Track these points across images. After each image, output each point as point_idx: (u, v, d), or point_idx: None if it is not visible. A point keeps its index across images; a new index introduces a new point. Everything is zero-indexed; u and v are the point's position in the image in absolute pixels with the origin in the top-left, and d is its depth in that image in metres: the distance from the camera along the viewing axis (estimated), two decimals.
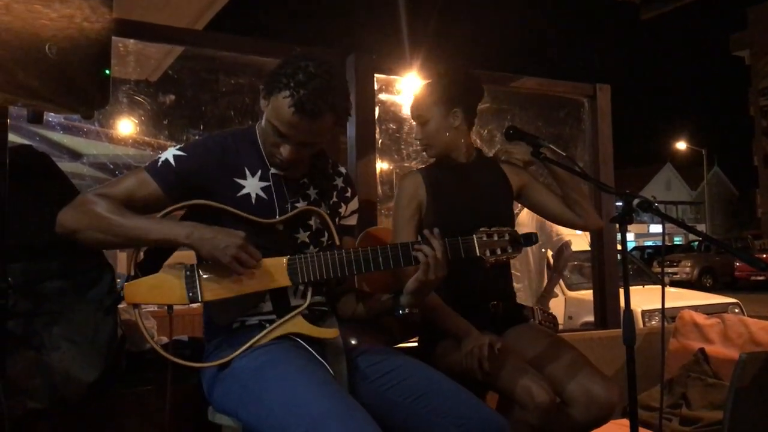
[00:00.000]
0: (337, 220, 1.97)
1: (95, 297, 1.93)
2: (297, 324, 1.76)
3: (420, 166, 2.50)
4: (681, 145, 39.36)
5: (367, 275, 2.03)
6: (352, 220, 2.07)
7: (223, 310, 1.78)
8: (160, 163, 1.76)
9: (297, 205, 1.85)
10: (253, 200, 1.80)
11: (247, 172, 1.82)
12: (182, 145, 1.81)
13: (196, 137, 1.87)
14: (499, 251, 1.81)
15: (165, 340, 1.91)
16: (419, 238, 1.84)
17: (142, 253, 1.75)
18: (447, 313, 2.18)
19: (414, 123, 2.37)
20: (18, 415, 1.73)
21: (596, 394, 2.01)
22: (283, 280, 1.75)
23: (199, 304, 1.73)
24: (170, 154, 1.78)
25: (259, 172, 1.83)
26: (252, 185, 1.81)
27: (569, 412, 2.06)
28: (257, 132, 1.87)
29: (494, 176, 2.38)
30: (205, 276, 1.71)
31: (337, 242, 1.84)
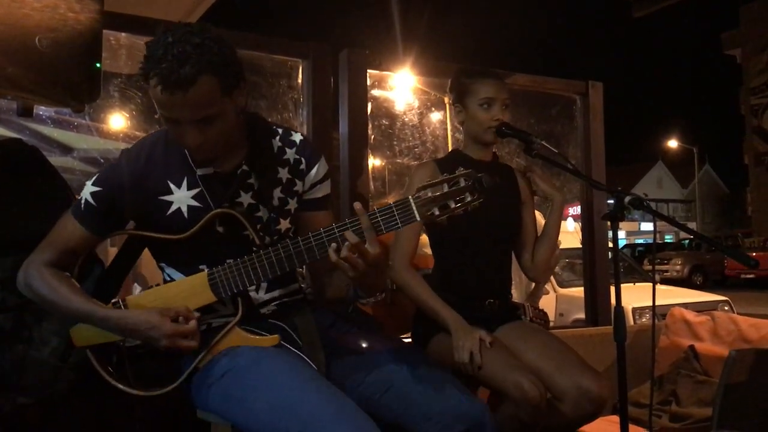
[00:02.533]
0: (295, 200, 1.78)
1: (86, 291, 1.92)
2: (234, 337, 1.66)
3: (413, 163, 2.52)
4: (672, 143, 39.53)
5: None
6: (318, 192, 1.81)
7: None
8: (82, 205, 1.69)
9: (238, 200, 1.69)
10: (186, 213, 1.67)
11: (172, 186, 1.67)
12: (96, 177, 1.70)
13: (112, 162, 1.73)
14: (452, 204, 1.44)
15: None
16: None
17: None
18: (440, 305, 2.18)
19: (409, 120, 2.41)
20: (7, 410, 1.72)
21: (587, 390, 2.02)
22: (208, 297, 1.65)
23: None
24: (88, 192, 1.68)
25: (185, 180, 1.67)
26: (180, 198, 1.67)
27: (560, 408, 2.06)
28: None
29: (509, 180, 2.43)
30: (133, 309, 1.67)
31: (257, 242, 1.64)
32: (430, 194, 1.44)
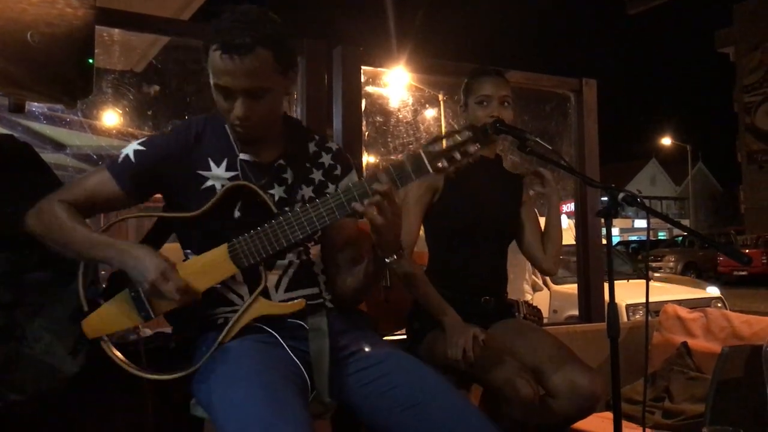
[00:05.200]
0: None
1: (70, 298, 1.91)
2: (260, 307, 1.67)
3: None
4: (666, 141, 39.65)
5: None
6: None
7: (186, 319, 1.72)
8: (120, 159, 1.71)
9: (271, 191, 1.73)
10: (218, 192, 1.71)
11: (211, 163, 1.73)
12: (144, 139, 1.75)
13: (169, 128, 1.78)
14: (458, 155, 1.55)
15: (148, 332, 1.90)
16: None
17: (102, 285, 1.73)
18: (437, 300, 2.19)
19: (403, 117, 2.41)
20: None
21: (580, 386, 2.02)
22: (230, 268, 1.66)
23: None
24: (131, 149, 1.72)
25: (225, 161, 1.73)
26: (217, 176, 1.72)
27: (553, 404, 2.07)
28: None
29: (511, 179, 2.46)
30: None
31: (274, 210, 1.67)
32: (437, 148, 1.55)
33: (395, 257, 1.68)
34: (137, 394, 2.01)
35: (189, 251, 1.77)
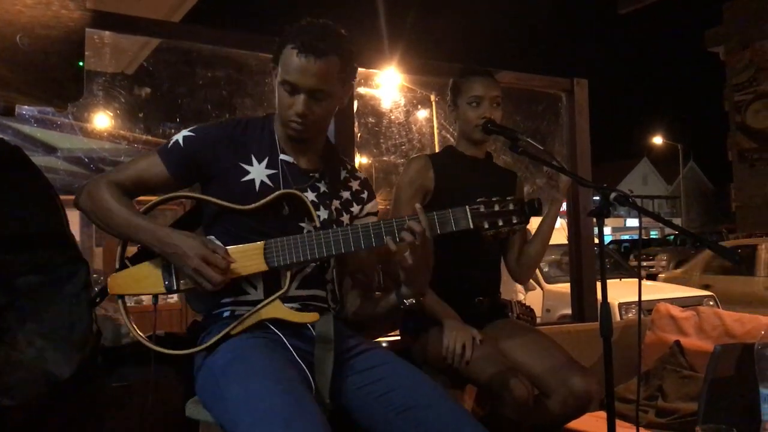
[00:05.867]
0: (348, 217, 1.91)
1: (71, 292, 1.90)
2: (274, 309, 1.71)
3: (400, 161, 2.52)
4: (657, 140, 39.77)
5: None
6: (368, 222, 1.90)
7: (199, 299, 1.78)
8: (170, 144, 1.80)
9: (305, 194, 1.80)
10: (257, 187, 1.78)
11: (254, 159, 1.81)
12: (194, 126, 1.84)
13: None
14: (500, 222, 1.66)
15: (161, 333, 1.90)
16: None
17: (136, 248, 1.77)
18: (436, 300, 2.20)
19: (395, 118, 2.41)
20: None
21: (575, 386, 2.02)
22: (259, 265, 1.71)
23: (175, 296, 1.73)
24: (181, 135, 1.81)
25: (267, 159, 1.81)
26: (257, 172, 1.80)
27: (548, 404, 2.07)
28: (273, 119, 1.87)
29: (503, 177, 2.46)
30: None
31: (317, 224, 1.77)
32: (483, 209, 1.66)
33: (413, 301, 1.73)
34: (132, 398, 2.00)
35: (213, 237, 1.79)
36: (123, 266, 1.77)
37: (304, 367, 1.66)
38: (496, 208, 1.66)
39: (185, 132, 1.81)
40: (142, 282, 1.75)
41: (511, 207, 1.67)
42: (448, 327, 2.11)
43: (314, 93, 1.74)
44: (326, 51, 1.71)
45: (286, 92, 1.76)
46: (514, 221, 1.67)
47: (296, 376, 1.59)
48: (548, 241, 2.41)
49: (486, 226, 1.66)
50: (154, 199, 1.82)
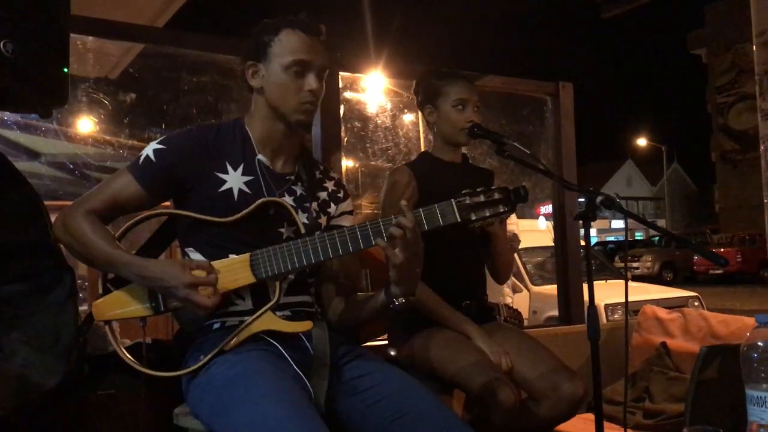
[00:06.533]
0: (325, 219, 1.90)
1: (56, 300, 1.88)
2: (267, 321, 1.68)
3: (386, 165, 2.52)
4: (641, 142, 40.09)
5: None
6: (344, 221, 1.94)
7: (186, 317, 1.74)
8: (141, 160, 1.74)
9: (282, 199, 1.78)
10: (236, 196, 1.74)
11: (229, 167, 1.76)
12: (163, 137, 1.78)
13: (188, 128, 1.86)
14: (487, 212, 1.63)
15: (127, 342, 1.88)
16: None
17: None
18: (449, 310, 2.24)
19: (381, 122, 2.42)
20: None
21: (564, 390, 2.03)
22: (247, 277, 1.68)
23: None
24: (150, 149, 1.75)
25: (242, 166, 1.77)
26: (234, 180, 1.75)
27: (536, 408, 2.08)
28: (245, 122, 1.83)
29: (480, 178, 2.42)
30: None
31: (302, 231, 1.73)
32: (468, 201, 1.63)
33: (403, 301, 1.69)
34: (120, 405, 1.98)
35: (191, 248, 1.77)
36: (106, 290, 1.74)
37: (305, 379, 1.65)
38: (482, 198, 1.63)
39: (155, 145, 1.75)
40: (128, 306, 1.71)
41: (496, 196, 1.64)
42: (485, 341, 2.17)
43: (321, 72, 1.78)
44: (323, 31, 1.78)
45: (293, 75, 1.74)
46: (501, 209, 1.64)
47: (305, 395, 1.58)
48: (508, 251, 2.46)
49: (473, 217, 1.63)
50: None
